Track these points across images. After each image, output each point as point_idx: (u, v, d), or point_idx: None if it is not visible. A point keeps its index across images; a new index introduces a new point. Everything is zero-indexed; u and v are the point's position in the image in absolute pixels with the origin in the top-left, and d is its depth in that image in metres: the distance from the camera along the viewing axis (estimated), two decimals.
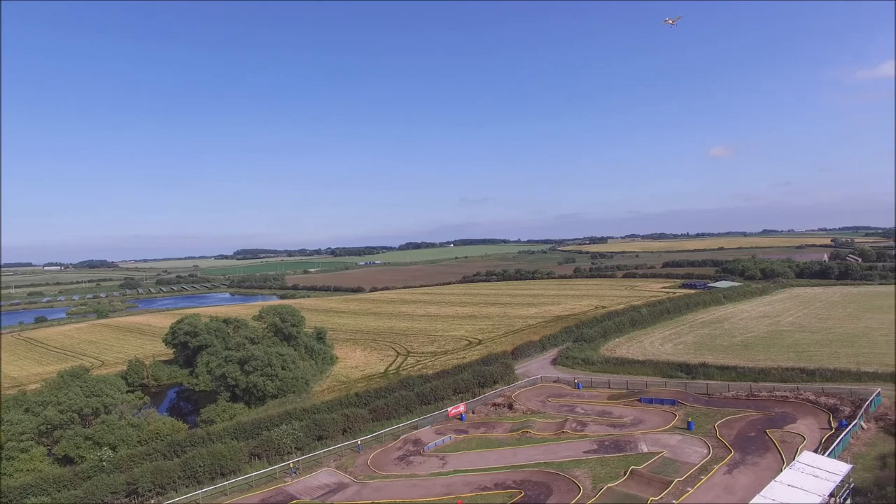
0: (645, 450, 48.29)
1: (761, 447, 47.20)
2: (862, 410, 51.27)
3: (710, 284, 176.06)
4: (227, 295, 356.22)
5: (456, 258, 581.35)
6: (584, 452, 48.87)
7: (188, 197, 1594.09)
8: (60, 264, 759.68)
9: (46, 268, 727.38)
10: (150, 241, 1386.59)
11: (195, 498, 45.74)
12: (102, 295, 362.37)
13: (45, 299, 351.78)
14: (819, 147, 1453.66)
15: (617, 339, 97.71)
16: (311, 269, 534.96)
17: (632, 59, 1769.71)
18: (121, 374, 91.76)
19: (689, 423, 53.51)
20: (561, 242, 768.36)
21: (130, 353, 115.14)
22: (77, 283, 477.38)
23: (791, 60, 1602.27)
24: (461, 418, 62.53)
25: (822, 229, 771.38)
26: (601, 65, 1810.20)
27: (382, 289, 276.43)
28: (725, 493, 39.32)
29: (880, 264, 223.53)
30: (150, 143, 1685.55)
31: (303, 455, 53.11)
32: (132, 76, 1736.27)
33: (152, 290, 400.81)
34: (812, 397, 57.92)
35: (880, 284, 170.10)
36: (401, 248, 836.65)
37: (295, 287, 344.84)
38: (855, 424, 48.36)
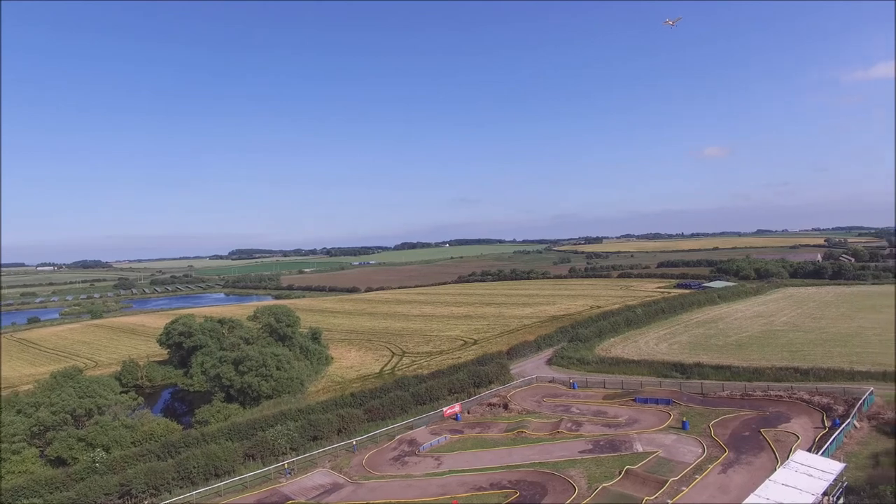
0: (640, 449, 48.38)
1: (756, 446, 47.38)
2: (855, 409, 51.53)
3: (705, 284, 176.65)
4: (222, 295, 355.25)
5: (451, 258, 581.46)
6: (580, 452, 48.92)
7: (183, 197, 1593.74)
8: (54, 264, 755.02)
9: (40, 268, 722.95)
10: (145, 241, 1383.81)
11: (189, 499, 45.49)
12: (96, 295, 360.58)
13: (38, 300, 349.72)
14: (813, 147, 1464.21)
15: (612, 339, 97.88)
16: (306, 270, 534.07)
17: (631, 59, 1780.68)
18: (115, 374, 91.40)
19: (683, 422, 53.66)
20: (556, 242, 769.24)
21: (124, 354, 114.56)
22: (71, 283, 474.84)
23: (786, 61, 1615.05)
24: (456, 418, 62.47)
25: (815, 229, 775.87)
26: (601, 65, 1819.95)
27: (378, 289, 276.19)
28: (720, 492, 39.45)
29: (873, 264, 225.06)
30: (150, 143, 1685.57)
31: (298, 455, 52.92)
32: (132, 76, 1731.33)
33: (146, 290, 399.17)
34: (806, 396, 58.18)
35: (873, 284, 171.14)
36: (396, 248, 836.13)
37: (290, 287, 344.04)
38: (848, 423, 48.62)
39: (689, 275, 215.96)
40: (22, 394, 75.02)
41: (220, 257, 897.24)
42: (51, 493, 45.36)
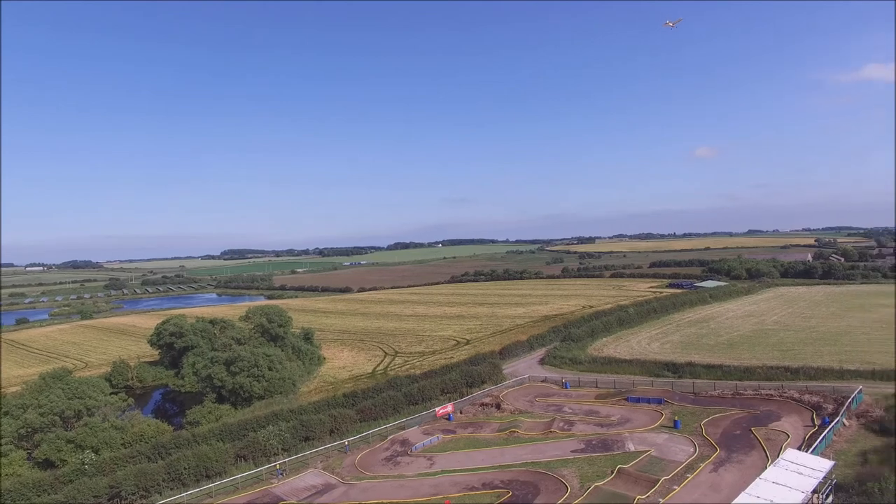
0: (632, 449, 48.52)
1: (746, 445, 47.65)
2: (844, 408, 51.95)
3: (697, 284, 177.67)
4: (214, 295, 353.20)
5: (444, 258, 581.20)
6: (572, 452, 48.99)
7: (175, 197, 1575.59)
8: (43, 265, 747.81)
9: (29, 268, 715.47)
10: (136, 241, 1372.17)
11: (180, 500, 45.16)
12: (86, 296, 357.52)
13: (27, 300, 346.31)
14: (803, 148, 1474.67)
15: (604, 339, 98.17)
16: (298, 270, 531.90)
17: (629, 59, 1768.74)
18: (105, 375, 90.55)
19: (675, 421, 53.86)
20: (549, 242, 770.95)
21: (115, 355, 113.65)
22: (60, 283, 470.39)
23: (775, 62, 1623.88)
24: (449, 418, 62.42)
25: (805, 229, 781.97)
26: (600, 64, 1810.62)
27: (370, 289, 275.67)
28: (711, 490, 39.62)
29: (862, 264, 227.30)
30: (148, 143, 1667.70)
31: (289, 456, 52.68)
32: (132, 76, 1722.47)
33: (138, 290, 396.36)
34: (796, 395, 58.58)
35: (862, 283, 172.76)
36: (389, 248, 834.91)
37: (282, 287, 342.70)
38: (837, 422, 49.00)
39: (680, 275, 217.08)
40: (9, 395, 74.13)
41: (212, 257, 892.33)
42: (38, 495, 44.90)
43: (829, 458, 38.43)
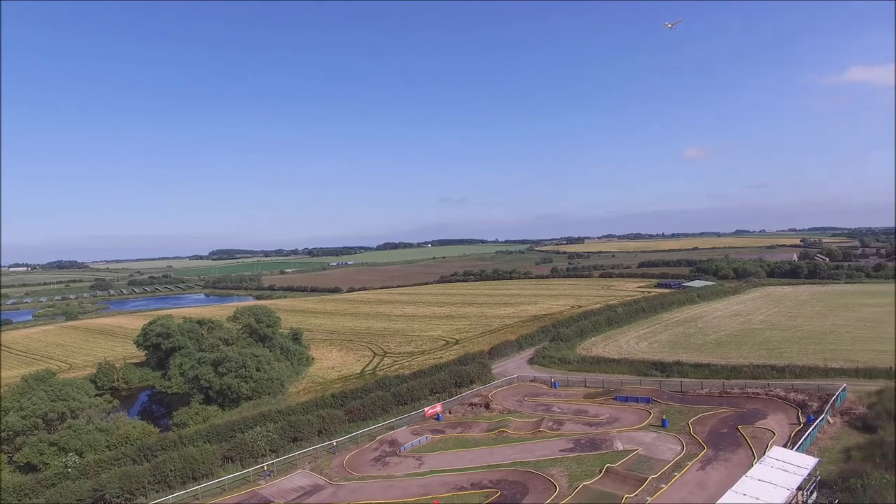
0: (620, 448, 48.71)
1: (733, 443, 48.02)
2: (829, 405, 52.55)
3: (685, 284, 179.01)
4: (202, 296, 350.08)
5: (434, 258, 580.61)
6: (561, 451, 49.10)
7: (163, 197, 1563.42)
8: (27, 265, 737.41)
9: (12, 269, 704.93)
10: (123, 241, 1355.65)
11: (165, 502, 44.70)
12: (72, 296, 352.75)
13: (10, 301, 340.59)
14: (791, 149, 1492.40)
15: (593, 339, 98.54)
16: (287, 270, 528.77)
17: (628, 60, 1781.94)
18: (90, 377, 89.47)
19: (663, 420, 54.18)
20: (538, 242, 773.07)
21: (100, 356, 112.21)
22: (45, 284, 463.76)
23: (765, 65, 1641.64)
24: (438, 418, 62.32)
25: (791, 230, 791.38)
26: (599, 64, 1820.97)
27: (360, 289, 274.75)
28: (698, 488, 39.87)
29: (846, 264, 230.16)
30: (144, 142, 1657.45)
31: (277, 457, 52.33)
32: (132, 76, 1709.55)
33: (124, 291, 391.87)
34: (782, 393, 59.15)
35: (846, 283, 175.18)
36: (378, 248, 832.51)
37: (271, 287, 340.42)
38: (822, 419, 49.55)
39: (669, 274, 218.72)
40: None
41: (201, 257, 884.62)
42: (19, 500, 44.27)
43: (813, 456, 38.78)
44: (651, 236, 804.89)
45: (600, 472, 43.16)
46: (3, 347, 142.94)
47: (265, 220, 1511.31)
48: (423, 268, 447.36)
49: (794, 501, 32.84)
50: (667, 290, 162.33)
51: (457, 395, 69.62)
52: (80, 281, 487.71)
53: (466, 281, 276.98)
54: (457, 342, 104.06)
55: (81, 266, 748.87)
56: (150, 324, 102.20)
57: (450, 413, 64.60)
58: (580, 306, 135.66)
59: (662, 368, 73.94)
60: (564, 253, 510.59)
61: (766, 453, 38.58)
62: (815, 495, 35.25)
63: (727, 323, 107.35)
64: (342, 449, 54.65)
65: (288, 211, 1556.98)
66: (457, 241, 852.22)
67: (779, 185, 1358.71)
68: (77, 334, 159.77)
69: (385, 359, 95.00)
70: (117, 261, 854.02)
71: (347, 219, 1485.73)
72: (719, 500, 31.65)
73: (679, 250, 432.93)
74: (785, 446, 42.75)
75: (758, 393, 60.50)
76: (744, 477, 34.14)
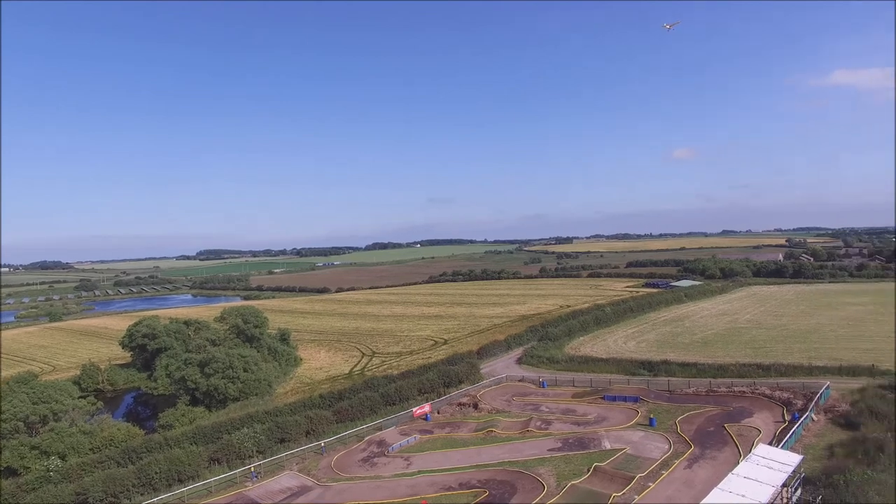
0: (608, 447, 48.88)
1: (720, 441, 48.37)
2: (813, 403, 53.16)
3: (672, 283, 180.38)
4: (189, 296, 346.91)
5: (423, 258, 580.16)
6: (549, 450, 49.16)
7: (151, 197, 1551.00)
8: (10, 266, 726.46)
9: None
10: (109, 241, 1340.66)
11: None
12: (56, 297, 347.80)
13: None
14: (775, 151, 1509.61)
15: (581, 338, 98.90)
16: (276, 270, 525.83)
17: (620, 61, 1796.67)
18: (73, 379, 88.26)
19: (650, 419, 54.46)
20: (527, 243, 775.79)
21: (85, 358, 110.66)
22: (28, 285, 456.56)
23: (753, 66, 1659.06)
24: (426, 418, 62.17)
25: (777, 230, 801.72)
26: (592, 67, 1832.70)
27: (348, 289, 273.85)
28: (685, 487, 40.10)
29: (830, 263, 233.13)
30: (139, 143, 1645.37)
31: (265, 458, 51.89)
32: (132, 76, 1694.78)
33: (110, 291, 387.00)
34: (767, 392, 59.72)
35: (830, 283, 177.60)
36: (367, 248, 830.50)
37: (259, 288, 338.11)
38: (806, 417, 50.10)
39: (657, 274, 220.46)
40: None
41: (188, 258, 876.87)
42: None
43: (798, 453, 39.17)
44: (639, 236, 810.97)
45: (588, 471, 43.28)
46: None
47: (254, 220, 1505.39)
48: (411, 268, 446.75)
49: (779, 498, 33.14)
50: (654, 290, 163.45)
51: (445, 395, 69.50)
52: (65, 282, 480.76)
53: (455, 281, 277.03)
54: (445, 342, 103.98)
55: (66, 266, 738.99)
56: (136, 325, 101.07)
57: (438, 413, 64.48)
58: (569, 306, 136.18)
59: (650, 367, 74.34)
60: (553, 253, 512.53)
61: (752, 451, 38.90)
62: (799, 492, 35.61)
63: (714, 322, 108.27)
64: (330, 450, 54.33)
65: (277, 211, 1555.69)
66: (446, 242, 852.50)
67: (764, 186, 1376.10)
68: (61, 336, 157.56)
69: (373, 359, 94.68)
70: (103, 261, 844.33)
71: (336, 219, 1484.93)
72: (706, 498, 31.83)
73: (667, 250, 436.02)
74: (770, 444, 43.10)
75: (744, 391, 61.04)
76: (730, 475, 34.38)
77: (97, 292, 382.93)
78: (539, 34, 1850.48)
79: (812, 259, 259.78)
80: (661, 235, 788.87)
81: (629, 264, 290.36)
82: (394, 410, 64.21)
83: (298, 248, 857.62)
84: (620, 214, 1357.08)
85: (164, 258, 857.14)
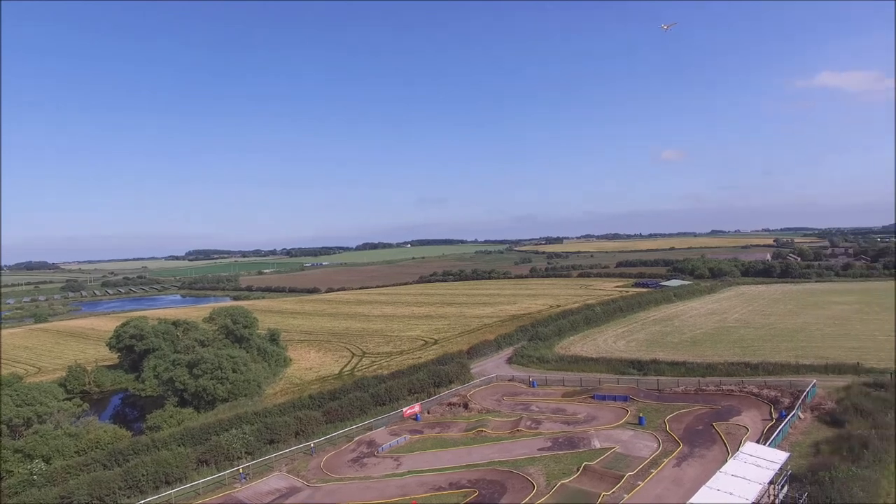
0: (598, 446, 49.02)
1: (708, 440, 48.68)
2: (800, 401, 53.68)
3: (662, 283, 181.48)
4: (178, 297, 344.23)
5: (413, 258, 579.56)
6: (539, 450, 49.22)
7: (139, 197, 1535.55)
8: None
9: None
10: (95, 241, 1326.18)
11: None
12: (41, 298, 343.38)
13: None
14: (762, 151, 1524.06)
15: (571, 338, 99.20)
16: (265, 270, 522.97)
17: (611, 61, 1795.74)
18: (59, 380, 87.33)
19: (640, 418, 54.70)
20: (518, 243, 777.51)
21: (71, 359, 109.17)
22: (13, 286, 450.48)
23: (739, 67, 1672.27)
24: (416, 418, 62.03)
25: (765, 230, 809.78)
26: (587, 67, 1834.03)
27: (339, 289, 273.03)
28: (674, 485, 40.31)
29: (817, 263, 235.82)
30: (140, 143, 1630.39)
31: (253, 460, 51.53)
32: (132, 76, 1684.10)
33: (97, 292, 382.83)
34: (755, 390, 60.21)
35: (817, 282, 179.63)
36: (358, 248, 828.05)
37: (249, 288, 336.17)
38: (793, 415, 50.55)
39: (646, 274, 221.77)
40: None
41: (176, 258, 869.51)
42: None
43: (785, 450, 39.49)
44: (629, 236, 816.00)
45: (578, 470, 43.36)
46: None
47: (243, 220, 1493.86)
48: (402, 268, 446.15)
49: (765, 495, 33.40)
50: (644, 290, 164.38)
51: (435, 395, 69.41)
52: (51, 282, 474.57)
53: (446, 281, 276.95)
54: (436, 342, 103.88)
55: (52, 267, 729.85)
56: (124, 325, 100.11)
57: (428, 413, 64.37)
58: (559, 306, 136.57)
59: (639, 367, 74.67)
60: (543, 253, 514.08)
61: (740, 449, 39.19)
62: (785, 489, 35.90)
63: (703, 321, 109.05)
64: (319, 450, 54.06)
65: (267, 211, 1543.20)
66: (436, 242, 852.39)
67: (752, 187, 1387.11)
68: (46, 337, 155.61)
69: (363, 359, 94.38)
70: (90, 261, 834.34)
71: (327, 219, 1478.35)
72: (694, 496, 32.00)
73: (656, 250, 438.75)
74: (758, 442, 43.46)
75: (732, 390, 61.50)
76: (718, 473, 34.60)
77: (84, 293, 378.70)
78: (532, 35, 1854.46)
79: (799, 259, 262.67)
80: (651, 235, 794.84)
81: (619, 264, 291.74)
82: (384, 411, 64.02)
83: (288, 248, 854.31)
84: (611, 215, 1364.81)
85: (153, 258, 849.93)
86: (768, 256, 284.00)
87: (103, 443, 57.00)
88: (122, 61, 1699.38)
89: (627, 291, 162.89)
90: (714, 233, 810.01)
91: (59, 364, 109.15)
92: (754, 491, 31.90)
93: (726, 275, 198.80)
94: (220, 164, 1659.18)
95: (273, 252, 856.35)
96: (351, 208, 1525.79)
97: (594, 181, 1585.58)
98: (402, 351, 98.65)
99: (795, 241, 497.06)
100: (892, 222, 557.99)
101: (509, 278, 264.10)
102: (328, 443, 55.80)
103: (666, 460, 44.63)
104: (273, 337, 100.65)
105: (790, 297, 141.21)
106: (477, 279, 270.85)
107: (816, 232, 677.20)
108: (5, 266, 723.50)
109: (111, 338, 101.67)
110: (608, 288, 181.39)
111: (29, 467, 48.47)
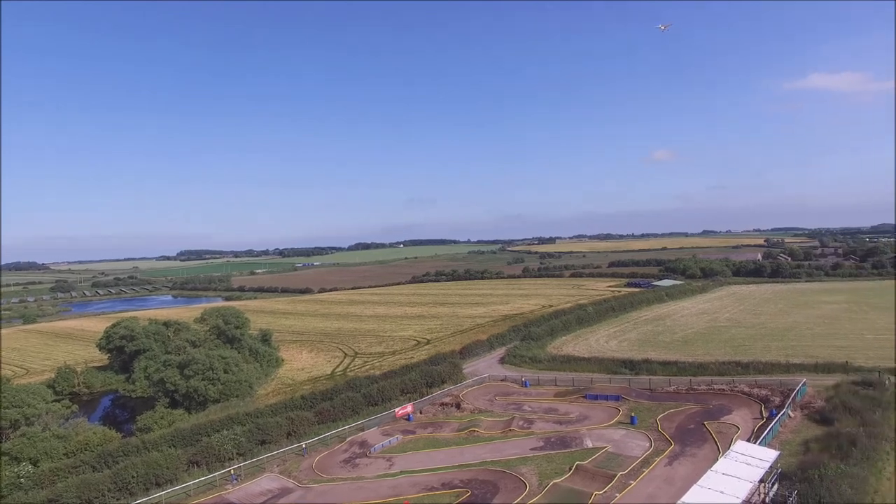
0: (590, 445, 49.16)
1: (699, 439, 48.93)
2: (790, 400, 54.09)
3: (654, 283, 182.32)
4: (170, 297, 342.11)
5: (406, 258, 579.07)
6: (531, 449, 49.29)
7: (131, 196, 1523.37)
8: None
9: None
10: (85, 241, 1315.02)
11: None
12: (30, 299, 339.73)
13: None
14: (753, 152, 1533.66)
15: (564, 338, 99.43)
16: (257, 271, 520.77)
17: (604, 62, 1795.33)
18: (48, 382, 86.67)
19: (632, 417, 54.91)
20: (510, 243, 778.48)
21: (60, 360, 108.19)
22: (2, 286, 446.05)
23: (729, 69, 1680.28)
24: (408, 419, 61.93)
25: (756, 230, 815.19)
26: (578, 67, 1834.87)
27: (331, 290, 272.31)
28: (666, 484, 40.47)
29: (807, 263, 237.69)
30: (136, 143, 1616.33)
31: (245, 461, 51.19)
32: (132, 76, 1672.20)
33: (87, 293, 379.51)
34: (746, 389, 60.62)
35: (807, 282, 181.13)
36: (350, 248, 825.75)
37: (241, 289, 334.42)
38: (783, 413, 50.91)
39: (638, 274, 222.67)
40: None
41: (168, 258, 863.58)
42: None
43: (775, 449, 39.76)
44: (621, 236, 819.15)
45: (570, 469, 43.45)
46: None
47: (235, 220, 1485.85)
48: (394, 268, 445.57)
49: (756, 493, 33.62)
50: (636, 290, 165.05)
51: (428, 395, 69.34)
52: (40, 283, 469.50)
53: (438, 281, 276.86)
54: (428, 342, 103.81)
55: (41, 267, 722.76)
56: (114, 326, 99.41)
57: (420, 413, 64.30)
58: (551, 306, 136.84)
59: (631, 366, 74.96)
60: (536, 253, 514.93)
61: (731, 448, 39.39)
62: (775, 487, 36.14)
63: (694, 321, 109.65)
64: (311, 451, 53.85)
65: (259, 211, 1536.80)
66: (429, 242, 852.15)
67: (743, 187, 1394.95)
68: (35, 338, 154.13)
69: (356, 359, 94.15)
70: (80, 262, 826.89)
71: (319, 219, 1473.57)
72: (685, 495, 32.13)
73: (648, 250, 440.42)
74: (749, 440, 43.78)
75: (723, 389, 61.87)
76: (709, 471, 34.78)
77: (74, 293, 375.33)
78: (532, 34, 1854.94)
79: (789, 259, 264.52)
80: (643, 235, 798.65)
81: (611, 264, 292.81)
82: (376, 411, 63.88)
83: (281, 248, 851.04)
84: (603, 215, 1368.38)
85: (144, 258, 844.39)
86: (759, 256, 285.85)
87: (92, 445, 56.52)
88: (122, 61, 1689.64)
89: (619, 291, 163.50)
90: (705, 233, 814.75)
91: (47, 365, 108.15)
92: (745, 489, 32.09)
93: (717, 275, 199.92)
94: (219, 164, 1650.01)
95: (265, 252, 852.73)
96: (350, 208, 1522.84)
97: (594, 181, 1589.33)
98: (394, 351, 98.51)
99: (786, 241, 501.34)
100: (881, 222, 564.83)
101: (502, 278, 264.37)
102: (320, 443, 55.61)
103: (657, 459, 44.82)
104: (265, 337, 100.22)
105: (780, 296, 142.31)
106: (469, 279, 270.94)
107: (806, 232, 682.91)
108: None
109: (101, 338, 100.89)
110: (600, 288, 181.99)
111: (16, 470, 47.89)
